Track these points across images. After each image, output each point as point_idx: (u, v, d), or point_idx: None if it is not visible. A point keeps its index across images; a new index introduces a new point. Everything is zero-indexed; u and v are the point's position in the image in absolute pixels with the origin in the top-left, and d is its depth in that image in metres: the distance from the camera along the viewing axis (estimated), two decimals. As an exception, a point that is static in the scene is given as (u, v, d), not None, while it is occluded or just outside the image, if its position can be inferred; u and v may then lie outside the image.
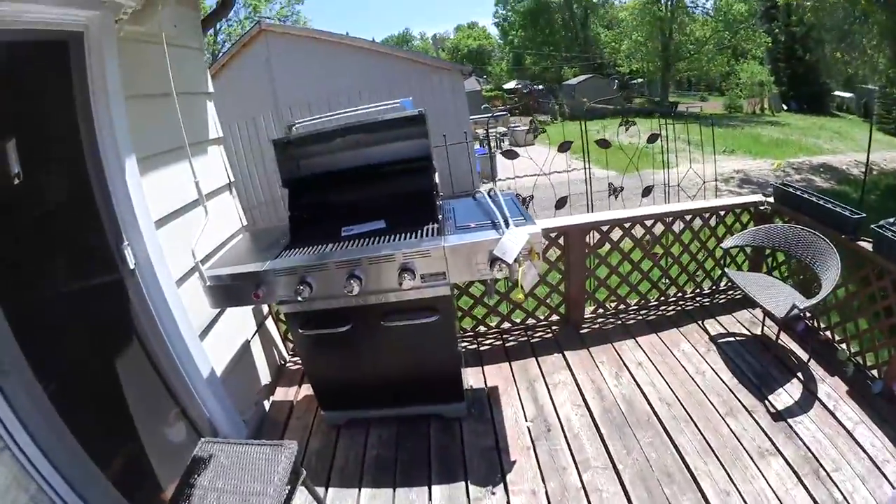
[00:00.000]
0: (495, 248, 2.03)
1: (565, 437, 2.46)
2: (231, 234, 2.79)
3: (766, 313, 3.05)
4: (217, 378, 2.38)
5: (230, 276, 2.16)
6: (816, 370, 2.69)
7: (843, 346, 2.82)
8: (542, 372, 2.93)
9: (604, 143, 4.11)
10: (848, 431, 2.30)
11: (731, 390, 2.59)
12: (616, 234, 3.32)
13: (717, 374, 2.75)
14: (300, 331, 2.29)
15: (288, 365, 3.24)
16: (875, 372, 2.60)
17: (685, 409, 2.53)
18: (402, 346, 2.37)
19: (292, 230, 2.42)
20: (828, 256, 2.66)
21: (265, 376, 2.96)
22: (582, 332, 3.30)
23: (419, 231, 2.24)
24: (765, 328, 3.06)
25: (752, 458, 2.21)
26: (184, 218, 2.37)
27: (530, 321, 3.43)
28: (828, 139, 15.08)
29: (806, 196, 3.01)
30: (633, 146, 4.52)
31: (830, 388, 2.56)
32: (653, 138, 4.34)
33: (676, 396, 2.62)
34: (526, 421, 2.59)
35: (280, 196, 5.58)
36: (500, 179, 7.73)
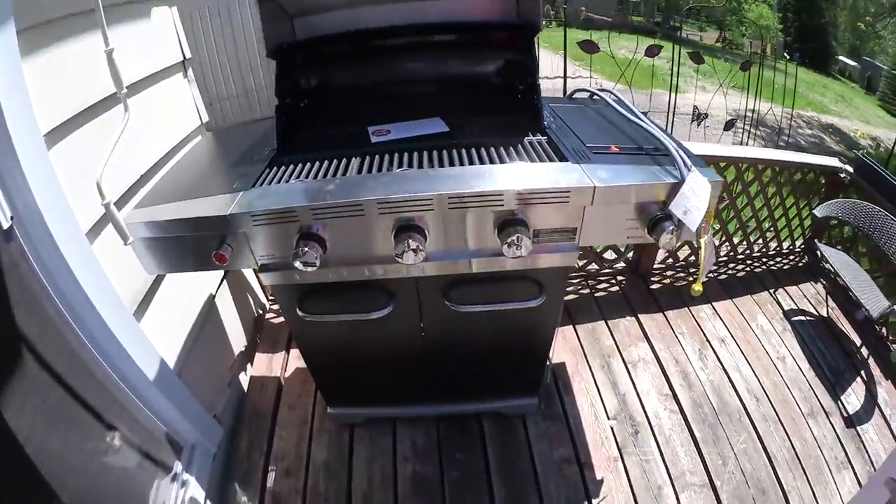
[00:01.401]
0: (673, 203, 1.09)
1: (657, 441, 1.76)
2: (182, 139, 1.60)
3: (831, 293, 2.60)
4: (170, 371, 1.36)
5: (170, 223, 1.05)
6: (875, 370, 2.22)
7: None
8: (616, 343, 2.15)
9: (590, 47, 3.30)
10: None
11: (810, 386, 2.09)
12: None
13: (796, 362, 2.18)
14: (299, 312, 1.25)
15: (269, 317, 2.19)
16: None
17: (773, 405, 1.96)
18: (470, 332, 1.43)
19: (282, 130, 1.31)
20: None
21: (239, 339, 1.92)
22: (652, 286, 2.53)
23: (516, 145, 1.23)
24: (829, 309, 2.51)
25: (830, 471, 1.80)
26: (100, 122, 1.22)
27: (592, 267, 2.55)
28: (833, 100, 13.79)
29: (892, 180, 2.38)
30: (626, 60, 3.59)
31: (886, 394, 2.12)
32: (651, 51, 3.49)
33: (764, 389, 2.00)
34: (608, 418, 1.84)
35: (254, 86, 4.10)
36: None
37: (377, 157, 1.22)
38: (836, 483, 1.78)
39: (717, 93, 4.10)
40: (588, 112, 1.50)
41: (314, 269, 1.05)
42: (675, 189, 1.10)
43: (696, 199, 1.12)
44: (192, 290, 1.62)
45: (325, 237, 1.07)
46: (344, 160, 1.22)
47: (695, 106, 3.11)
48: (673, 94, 3.35)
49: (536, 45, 1.37)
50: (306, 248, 1.03)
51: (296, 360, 1.96)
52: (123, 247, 1.08)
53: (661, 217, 1.12)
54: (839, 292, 2.61)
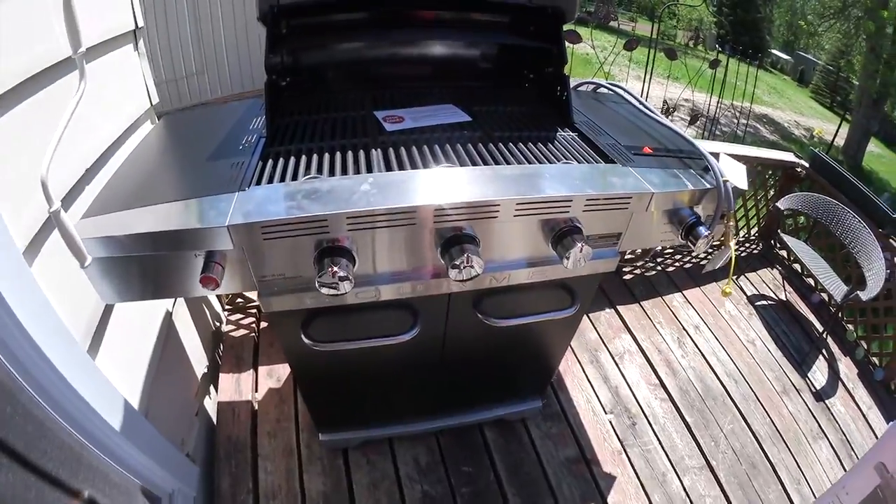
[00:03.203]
0: (719, 204, 1.07)
1: (654, 430, 1.83)
2: (130, 125, 1.29)
3: (787, 279, 2.81)
4: (136, 413, 1.10)
5: (141, 238, 0.81)
6: (834, 348, 2.47)
7: (850, 326, 2.62)
8: (600, 336, 2.18)
9: None
10: (864, 415, 2.20)
11: (780, 366, 2.27)
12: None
13: (765, 344, 2.35)
14: (304, 340, 1.04)
15: (228, 329, 1.92)
16: (876, 359, 2.46)
17: (750, 386, 2.11)
18: (490, 344, 1.32)
19: (273, 112, 1.11)
20: (870, 248, 2.34)
21: (200, 360, 1.66)
22: (625, 277, 2.59)
23: (553, 140, 1.14)
24: (786, 293, 2.72)
25: (808, 441, 2.00)
26: (30, 104, 0.88)
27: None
28: (765, 91, 14.27)
29: (848, 176, 2.60)
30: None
31: (847, 370, 2.38)
32: (630, 45, 3.59)
33: (740, 371, 2.14)
34: (606, 412, 1.86)
35: (185, 72, 3.50)
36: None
37: (400, 148, 1.05)
38: (814, 452, 1.98)
39: (650, 82, 4.27)
40: (604, 107, 1.42)
41: (346, 293, 0.87)
42: (712, 194, 1.07)
43: (730, 194, 1.11)
44: (148, 309, 1.35)
45: (355, 251, 0.89)
46: (361, 152, 1.03)
47: (665, 101, 3.16)
48: (646, 88, 3.40)
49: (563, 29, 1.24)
50: (336, 269, 0.84)
51: (266, 378, 1.75)
52: (75, 269, 0.82)
53: (696, 221, 1.07)
54: (794, 277, 2.83)
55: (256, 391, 1.71)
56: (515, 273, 1.04)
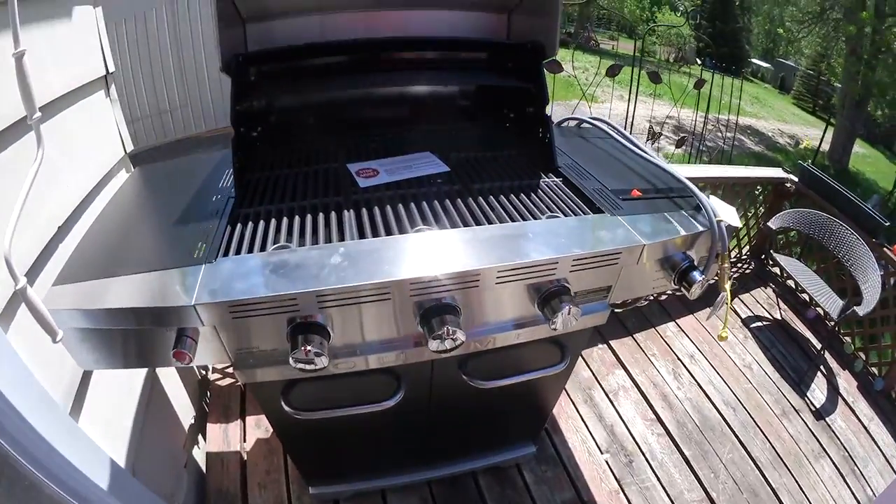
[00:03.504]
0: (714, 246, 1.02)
1: (651, 467, 1.76)
2: (104, 175, 1.22)
3: (781, 296, 2.76)
4: (124, 472, 1.05)
5: (109, 313, 0.76)
6: (832, 363, 2.40)
7: (848, 339, 2.57)
8: (593, 374, 2.10)
9: None
10: (865, 428, 2.14)
11: (778, 388, 2.20)
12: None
13: (761, 367, 2.28)
14: (285, 408, 0.97)
15: (214, 378, 1.84)
16: (875, 370, 2.41)
17: (748, 412, 2.04)
18: (479, 399, 1.21)
19: (241, 171, 1.04)
20: (865, 260, 2.27)
21: (187, 410, 1.59)
22: (616, 310, 2.51)
23: (535, 189, 1.07)
24: (781, 311, 2.66)
25: (810, 462, 1.93)
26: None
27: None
28: (748, 102, 13.82)
29: (838, 187, 2.54)
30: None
31: (845, 383, 2.32)
32: (613, 70, 3.53)
33: (737, 398, 2.07)
34: (601, 452, 1.78)
35: (169, 107, 3.44)
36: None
37: (374, 208, 0.98)
38: (816, 473, 1.93)
39: (632, 101, 4.21)
40: (588, 144, 1.36)
41: (323, 367, 0.80)
42: (706, 235, 1.02)
43: (725, 236, 1.06)
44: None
45: (329, 326, 0.82)
46: (333, 213, 0.97)
47: (650, 126, 3.11)
48: (631, 109, 3.35)
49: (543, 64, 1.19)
50: (310, 347, 0.78)
51: (254, 428, 1.67)
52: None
53: (690, 266, 1.01)
54: (788, 294, 2.76)
55: (244, 441, 1.63)
56: (501, 336, 0.97)
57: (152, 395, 1.35)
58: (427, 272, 0.79)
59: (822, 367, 2.39)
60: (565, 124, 1.49)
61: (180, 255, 0.83)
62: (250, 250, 0.86)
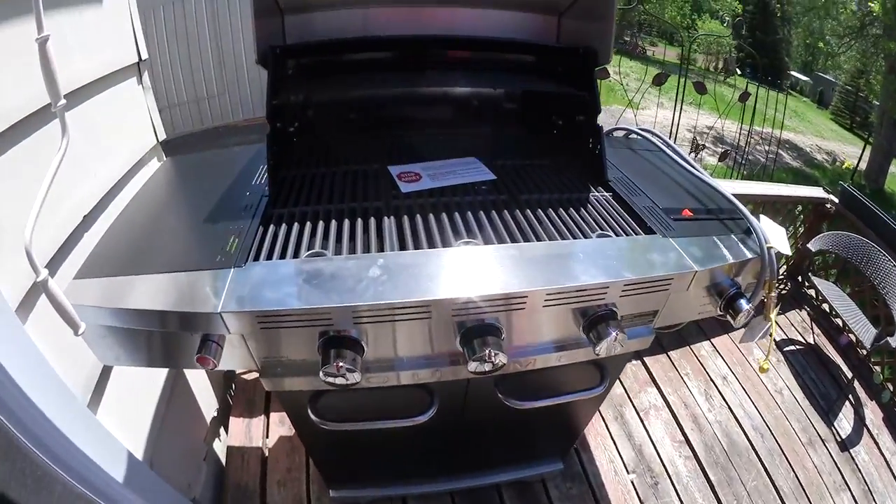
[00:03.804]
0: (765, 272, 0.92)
1: (676, 490, 1.67)
2: (135, 165, 1.18)
3: (815, 319, 2.62)
4: (141, 464, 1.00)
5: (132, 314, 0.71)
6: (860, 392, 2.26)
7: (877, 368, 2.38)
8: (626, 390, 2.01)
9: None
10: (887, 462, 2.01)
11: (807, 416, 2.08)
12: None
13: (792, 393, 2.16)
14: (312, 417, 0.90)
15: (240, 371, 1.77)
16: None
17: (776, 439, 1.93)
18: (512, 414, 1.09)
19: (275, 167, 0.97)
20: None
21: (210, 403, 1.56)
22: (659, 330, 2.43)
23: (585, 204, 0.99)
24: (815, 336, 2.51)
25: (831, 495, 1.83)
26: (21, 148, 0.81)
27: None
28: (787, 115, 13.54)
29: (877, 211, 2.36)
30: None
31: (872, 415, 2.18)
32: (659, 79, 3.42)
33: (766, 424, 1.95)
34: (628, 472, 1.69)
35: (207, 95, 3.44)
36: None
37: (416, 216, 0.91)
38: None
39: (679, 111, 4.03)
40: (637, 157, 1.26)
41: (355, 383, 0.74)
42: (754, 263, 0.93)
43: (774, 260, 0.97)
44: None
45: (364, 341, 0.75)
46: (372, 219, 0.90)
47: (694, 138, 2.96)
48: (675, 118, 3.20)
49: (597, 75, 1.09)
50: (342, 364, 0.71)
51: (278, 425, 1.63)
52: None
53: (737, 293, 0.92)
54: (822, 318, 2.61)
55: (267, 436, 1.59)
56: (542, 357, 0.89)
57: (175, 387, 1.31)
58: (471, 292, 0.72)
59: (850, 396, 2.25)
60: (613, 134, 1.39)
61: (209, 255, 0.78)
62: (283, 255, 0.80)
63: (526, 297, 0.74)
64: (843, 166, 10.65)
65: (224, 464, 1.51)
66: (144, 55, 1.26)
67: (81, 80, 1.00)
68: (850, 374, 2.31)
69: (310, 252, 0.80)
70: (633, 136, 1.35)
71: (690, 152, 2.97)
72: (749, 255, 0.91)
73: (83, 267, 0.79)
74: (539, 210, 0.95)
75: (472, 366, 0.76)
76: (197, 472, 1.38)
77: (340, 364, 0.72)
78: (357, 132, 1.22)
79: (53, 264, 0.89)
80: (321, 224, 0.88)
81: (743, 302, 0.90)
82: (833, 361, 2.41)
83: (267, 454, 1.54)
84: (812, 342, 2.48)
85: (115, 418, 1.00)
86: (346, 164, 1.09)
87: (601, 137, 1.07)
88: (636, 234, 0.92)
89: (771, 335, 1.08)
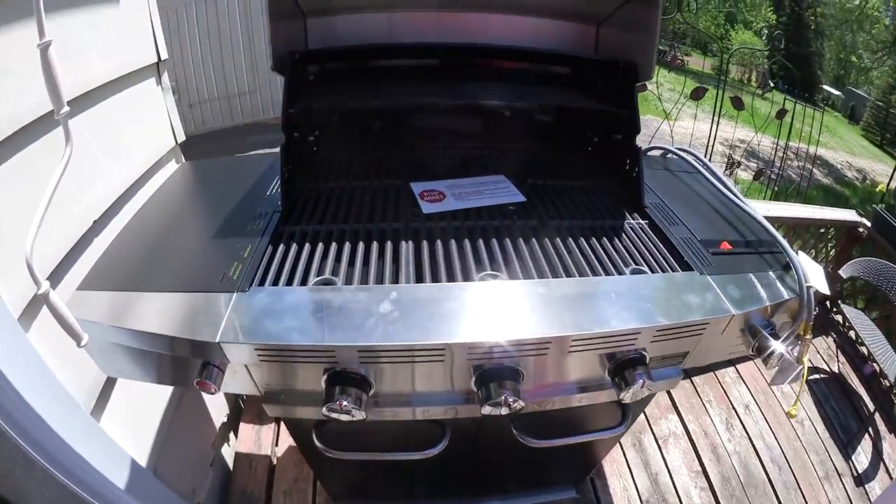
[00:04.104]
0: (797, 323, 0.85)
1: None
2: (151, 167, 1.13)
3: (840, 347, 2.47)
4: (142, 469, 0.98)
5: (134, 335, 0.66)
6: (880, 425, 2.14)
7: None
8: (646, 417, 1.90)
9: None
10: None
11: (826, 448, 1.97)
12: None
13: (813, 424, 2.04)
14: (318, 444, 0.85)
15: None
16: None
17: (793, 472, 1.80)
18: (528, 451, 0.98)
19: (288, 181, 0.89)
20: None
21: (220, 408, 1.51)
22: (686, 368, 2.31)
23: (619, 233, 0.90)
24: (839, 364, 2.37)
25: None
26: (30, 152, 0.76)
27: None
28: (818, 130, 13.14)
29: None
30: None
31: (890, 449, 2.06)
32: (697, 94, 3.25)
33: (785, 456, 1.83)
34: (641, 502, 1.60)
35: (238, 91, 3.43)
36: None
37: (436, 241, 0.83)
38: None
39: (702, 122, 3.84)
40: (674, 179, 1.16)
41: (361, 419, 0.67)
42: (791, 302, 0.83)
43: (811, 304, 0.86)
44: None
45: (371, 377, 0.68)
46: (389, 243, 0.82)
47: (730, 156, 2.82)
48: (712, 134, 3.04)
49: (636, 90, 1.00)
50: (346, 403, 0.64)
51: (288, 434, 1.57)
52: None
53: (771, 334, 0.82)
54: (847, 344, 2.46)
55: (277, 445, 1.54)
56: (562, 399, 0.81)
57: (185, 392, 1.26)
58: (490, 337, 0.64)
59: (870, 428, 2.12)
60: (649, 153, 1.29)
61: (213, 275, 0.72)
62: (290, 280, 0.73)
63: (550, 342, 0.66)
64: (879, 188, 10.21)
65: (230, 468, 1.46)
66: (164, 55, 1.21)
67: (97, 81, 0.95)
68: (871, 406, 2.18)
69: (318, 279, 0.73)
70: (671, 155, 1.25)
71: (725, 170, 2.83)
72: (787, 295, 0.82)
73: (87, 277, 0.75)
74: (570, 239, 0.87)
75: (487, 409, 0.69)
76: (203, 477, 1.34)
77: (344, 404, 0.65)
78: (379, 144, 1.14)
79: (60, 269, 0.85)
80: (334, 245, 0.81)
81: (778, 345, 0.80)
82: (856, 392, 2.27)
83: (275, 462, 1.50)
84: (836, 370, 2.34)
85: (121, 424, 0.97)
86: (366, 179, 1.02)
87: (640, 159, 0.98)
88: (672, 269, 0.83)
89: (802, 378, 0.97)
